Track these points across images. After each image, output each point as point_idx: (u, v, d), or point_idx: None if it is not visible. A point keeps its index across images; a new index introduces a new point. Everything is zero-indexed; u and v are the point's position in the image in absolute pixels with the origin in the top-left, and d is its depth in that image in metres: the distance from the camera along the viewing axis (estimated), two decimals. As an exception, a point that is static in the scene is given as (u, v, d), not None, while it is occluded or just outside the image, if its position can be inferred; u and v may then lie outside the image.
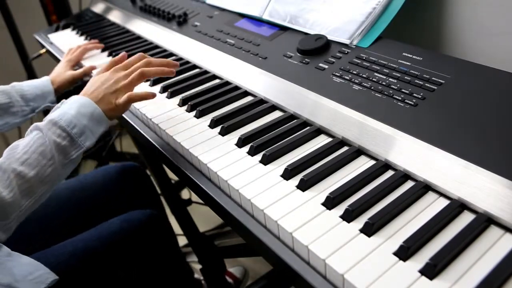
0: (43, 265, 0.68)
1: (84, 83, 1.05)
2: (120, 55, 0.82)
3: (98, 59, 1.15)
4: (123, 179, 1.01)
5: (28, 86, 0.99)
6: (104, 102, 0.71)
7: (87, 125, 0.67)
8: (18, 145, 0.64)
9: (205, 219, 1.64)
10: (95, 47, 1.16)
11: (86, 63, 1.12)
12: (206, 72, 0.95)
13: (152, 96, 0.74)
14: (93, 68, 1.06)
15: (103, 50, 1.18)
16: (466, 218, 0.51)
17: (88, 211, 0.93)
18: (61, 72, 1.06)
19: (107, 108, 0.71)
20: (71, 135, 0.66)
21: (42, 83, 1.01)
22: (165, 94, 0.88)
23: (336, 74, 0.75)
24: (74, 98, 0.71)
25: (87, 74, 1.06)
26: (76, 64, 1.12)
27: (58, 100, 1.06)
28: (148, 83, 0.95)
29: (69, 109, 0.68)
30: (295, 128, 0.71)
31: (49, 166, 0.63)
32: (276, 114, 0.77)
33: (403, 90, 0.66)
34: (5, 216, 0.60)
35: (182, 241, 1.60)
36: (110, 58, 1.12)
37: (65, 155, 0.65)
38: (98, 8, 1.52)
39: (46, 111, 1.07)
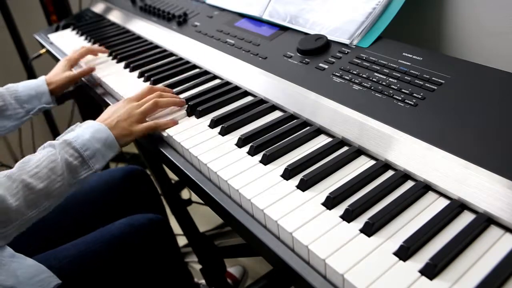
0: (47, 268, 0.68)
1: (80, 83, 1.04)
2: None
3: (104, 63, 1.09)
4: (127, 183, 1.01)
5: (23, 87, 0.97)
6: (117, 129, 0.73)
7: (99, 149, 0.70)
8: (31, 159, 0.66)
9: (205, 219, 1.64)
10: (100, 51, 1.12)
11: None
12: (206, 72, 0.95)
13: (174, 123, 0.76)
14: (92, 69, 1.03)
15: (109, 55, 1.13)
16: (466, 218, 0.51)
17: (92, 214, 0.93)
18: (59, 72, 1.02)
19: (120, 134, 0.73)
20: (83, 156, 0.68)
21: (37, 84, 0.99)
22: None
23: (336, 74, 0.75)
24: (89, 123, 0.74)
25: (85, 75, 1.04)
26: (75, 64, 1.08)
27: (58, 101, 1.06)
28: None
29: (84, 132, 0.71)
30: (295, 128, 0.71)
31: (57, 182, 0.66)
32: (276, 114, 0.77)
33: (403, 90, 0.66)
34: (6, 223, 0.61)
35: (182, 241, 1.61)
36: (114, 62, 1.08)
37: (74, 174, 0.68)
38: (98, 8, 1.52)
39: (44, 112, 1.05)
